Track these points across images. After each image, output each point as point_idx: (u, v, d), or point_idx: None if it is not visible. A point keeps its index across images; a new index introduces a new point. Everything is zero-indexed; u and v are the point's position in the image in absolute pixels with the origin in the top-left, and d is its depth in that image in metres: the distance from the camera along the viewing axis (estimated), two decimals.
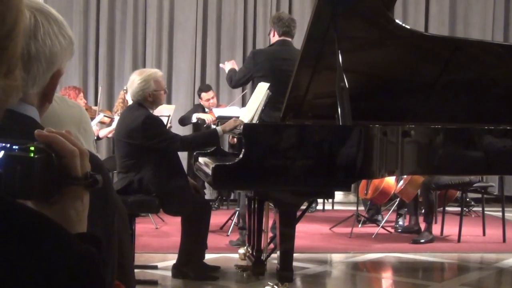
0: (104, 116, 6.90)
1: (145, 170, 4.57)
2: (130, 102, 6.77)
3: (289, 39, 5.58)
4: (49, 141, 0.95)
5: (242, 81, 5.76)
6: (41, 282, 0.82)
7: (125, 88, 7.47)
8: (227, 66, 5.95)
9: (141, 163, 4.57)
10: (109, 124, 6.90)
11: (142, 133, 4.52)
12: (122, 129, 4.73)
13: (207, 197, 6.50)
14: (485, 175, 6.95)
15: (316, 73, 4.43)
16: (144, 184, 4.55)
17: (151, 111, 4.69)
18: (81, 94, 7.03)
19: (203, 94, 7.73)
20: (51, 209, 0.96)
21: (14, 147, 0.91)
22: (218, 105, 7.77)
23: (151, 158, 4.57)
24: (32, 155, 0.91)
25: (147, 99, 4.63)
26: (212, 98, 7.72)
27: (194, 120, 7.51)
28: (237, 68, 5.90)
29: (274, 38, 5.59)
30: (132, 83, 4.67)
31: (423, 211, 6.93)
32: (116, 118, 6.90)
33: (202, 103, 7.75)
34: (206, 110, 7.62)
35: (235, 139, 4.90)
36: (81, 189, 0.99)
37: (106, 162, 6.30)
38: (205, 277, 4.68)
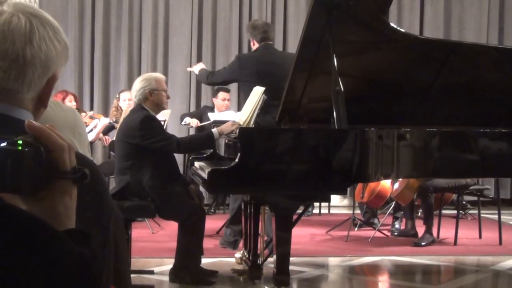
0: (90, 117, 6.83)
1: (142, 172, 4.58)
2: (124, 108, 6.80)
3: (270, 43, 5.71)
4: (39, 134, 0.95)
5: (222, 79, 5.86)
6: (35, 283, 0.82)
7: (117, 95, 7.46)
8: (196, 68, 6.05)
9: (139, 164, 4.59)
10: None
11: (139, 132, 4.55)
12: (122, 129, 4.79)
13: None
14: (481, 177, 6.96)
15: (311, 77, 4.43)
16: (140, 186, 4.56)
17: (153, 114, 4.69)
18: (70, 97, 6.85)
19: (222, 93, 7.68)
20: (40, 205, 0.95)
21: (2, 141, 0.91)
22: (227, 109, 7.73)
23: (149, 160, 4.58)
24: (20, 148, 0.90)
25: (148, 98, 4.63)
26: (228, 100, 7.71)
27: (183, 123, 7.47)
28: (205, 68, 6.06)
29: (255, 46, 5.72)
30: (134, 85, 4.73)
31: (419, 214, 6.95)
32: (102, 120, 6.86)
33: (216, 102, 7.72)
34: (216, 111, 7.58)
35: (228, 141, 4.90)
36: (69, 183, 0.99)
37: (102, 167, 6.30)
38: (202, 281, 4.67)
